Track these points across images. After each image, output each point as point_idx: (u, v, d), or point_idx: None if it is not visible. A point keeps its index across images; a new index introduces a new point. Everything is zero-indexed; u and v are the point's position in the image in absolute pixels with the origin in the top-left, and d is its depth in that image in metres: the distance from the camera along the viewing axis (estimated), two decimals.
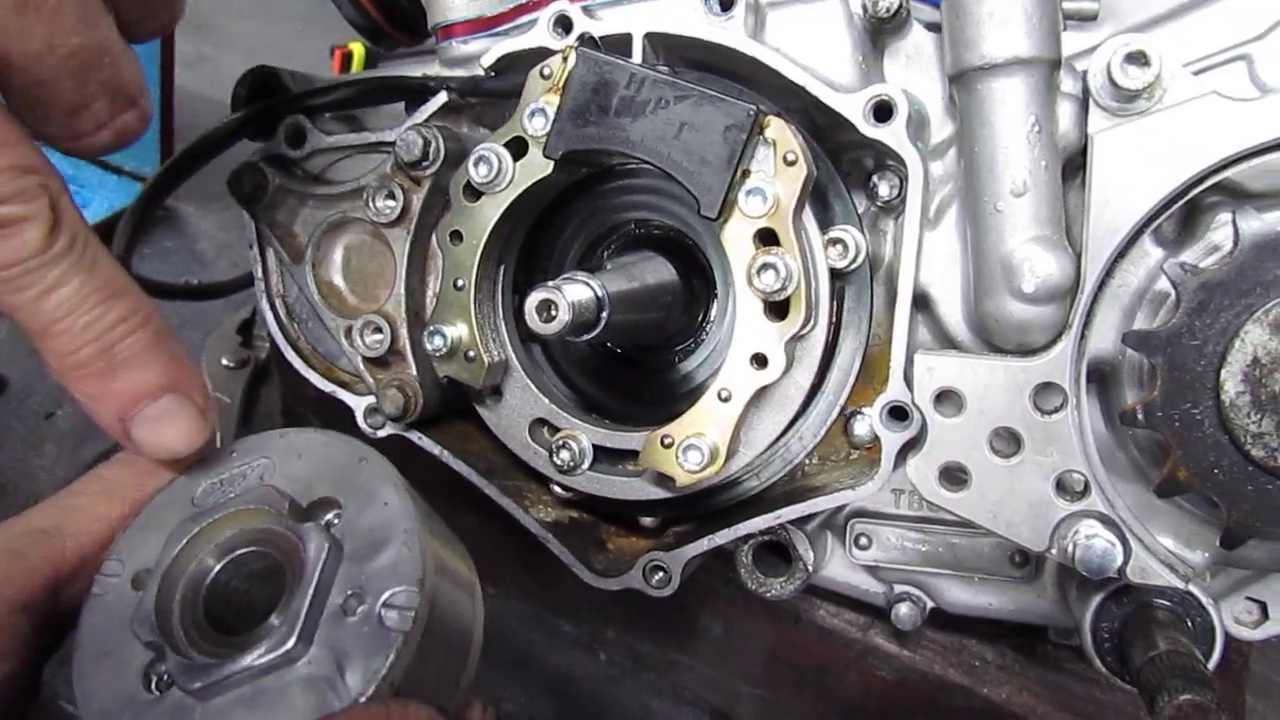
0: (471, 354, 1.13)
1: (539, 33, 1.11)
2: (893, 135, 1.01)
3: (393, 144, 1.17)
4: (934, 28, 1.07)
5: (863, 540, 1.23)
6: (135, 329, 0.81)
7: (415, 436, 1.24)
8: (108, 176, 2.22)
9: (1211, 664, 1.02)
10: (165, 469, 0.84)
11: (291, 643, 0.69)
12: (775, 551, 1.20)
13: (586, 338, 1.01)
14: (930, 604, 1.24)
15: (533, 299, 0.95)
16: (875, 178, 1.11)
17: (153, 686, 0.72)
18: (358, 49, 2.36)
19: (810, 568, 1.18)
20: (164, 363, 0.82)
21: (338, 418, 1.28)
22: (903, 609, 1.23)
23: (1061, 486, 1.00)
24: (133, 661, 0.73)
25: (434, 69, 1.28)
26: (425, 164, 1.14)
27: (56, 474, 1.91)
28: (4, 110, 0.75)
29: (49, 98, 0.77)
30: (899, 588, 1.24)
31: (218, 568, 0.77)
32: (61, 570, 0.78)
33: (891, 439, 1.06)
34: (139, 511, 0.81)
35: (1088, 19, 1.06)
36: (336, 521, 0.76)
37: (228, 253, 2.32)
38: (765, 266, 0.98)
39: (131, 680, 0.72)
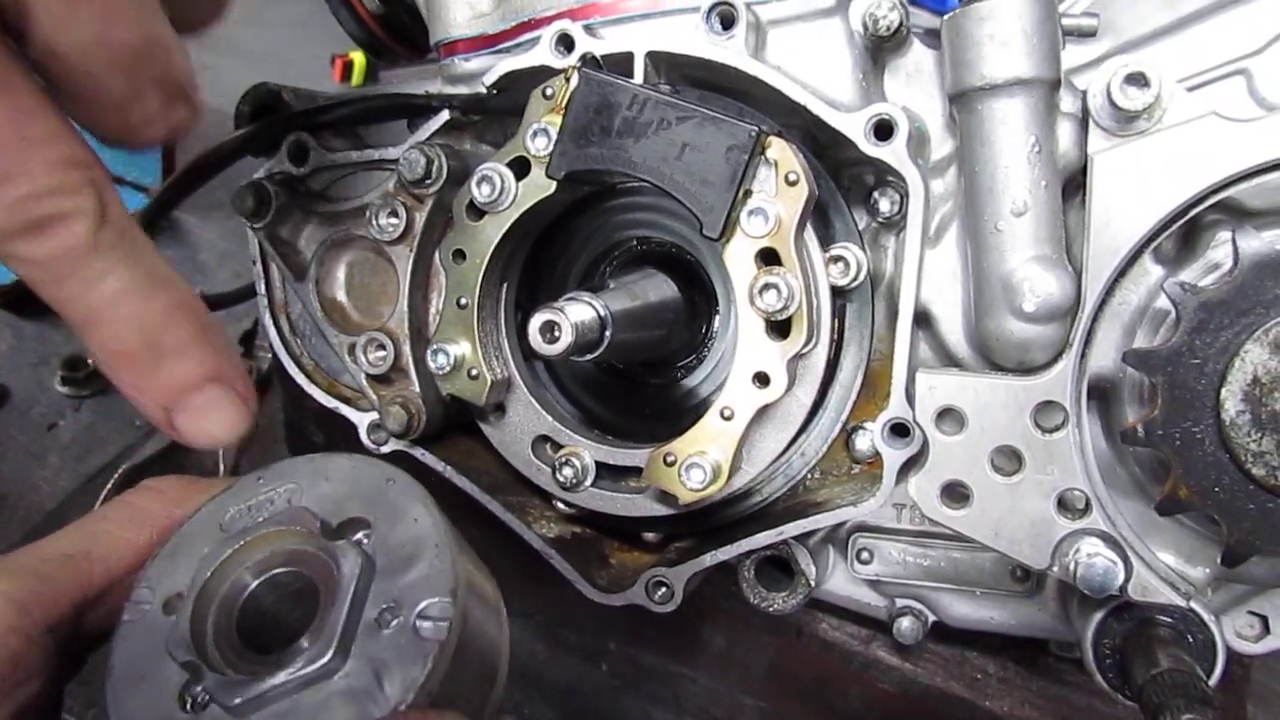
0: (474, 372, 1.14)
1: (541, 51, 1.11)
2: (893, 154, 1.02)
3: (396, 162, 1.17)
4: (933, 35, 1.08)
5: (864, 555, 1.23)
6: (180, 320, 0.81)
7: (419, 453, 1.24)
8: None
9: (1213, 680, 1.02)
10: (193, 496, 0.84)
11: (329, 656, 0.70)
12: (777, 566, 1.21)
13: (590, 357, 1.02)
14: (932, 618, 1.24)
15: (536, 320, 0.96)
16: (876, 194, 1.12)
17: (189, 707, 0.72)
18: (358, 58, 2.37)
19: (812, 582, 1.19)
20: (207, 353, 0.82)
21: (340, 430, 1.29)
22: (904, 623, 1.23)
23: (1063, 504, 1.01)
24: (168, 684, 0.73)
25: (435, 85, 1.29)
26: (428, 182, 1.15)
27: (59, 485, 1.91)
28: (49, 103, 0.74)
29: (98, 91, 0.76)
30: (901, 602, 1.24)
31: (252, 587, 0.78)
32: (88, 594, 0.78)
33: (893, 456, 1.06)
34: (167, 538, 0.82)
35: (1087, 35, 1.06)
36: (367, 540, 0.76)
37: (229, 262, 2.32)
38: (767, 286, 0.98)
39: (167, 703, 0.72)
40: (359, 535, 0.77)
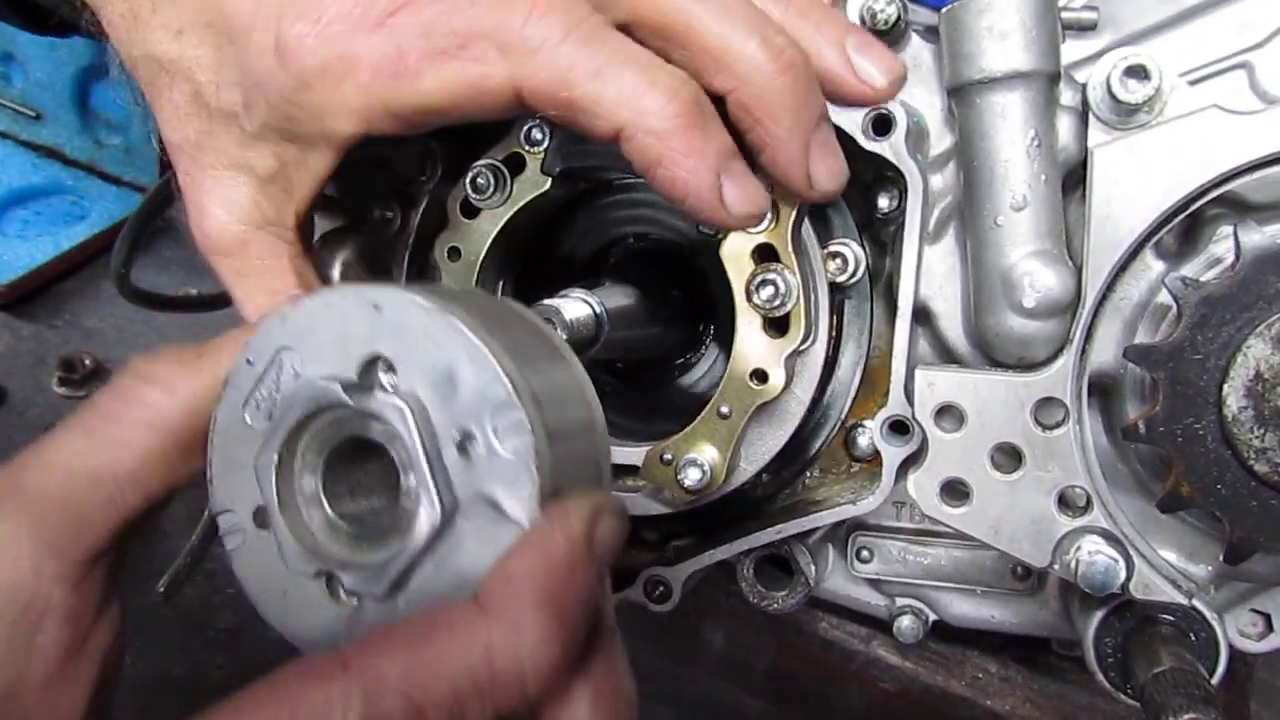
0: None
1: None
2: (891, 149, 1.01)
3: (390, 158, 1.16)
4: (932, 32, 1.07)
5: (864, 553, 1.22)
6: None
7: None
8: (107, 187, 2.21)
9: (1216, 679, 1.01)
10: (188, 381, 0.76)
11: (438, 511, 0.67)
12: (777, 564, 1.20)
13: (586, 355, 1.01)
14: (932, 617, 1.23)
15: None
16: (874, 190, 1.11)
17: (343, 598, 0.70)
18: None
19: (812, 581, 1.18)
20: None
21: None
22: (905, 622, 1.22)
23: (1063, 502, 1.00)
24: (313, 588, 0.71)
25: None
26: (422, 179, 1.14)
27: None
28: None
29: None
30: (901, 600, 1.23)
31: (322, 476, 0.73)
32: (128, 520, 0.71)
33: (892, 453, 1.05)
34: (186, 442, 0.75)
35: (1087, 28, 1.05)
36: (396, 376, 0.70)
37: None
38: (764, 283, 0.98)
39: (324, 604, 0.70)
40: (385, 378, 0.70)
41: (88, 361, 1.93)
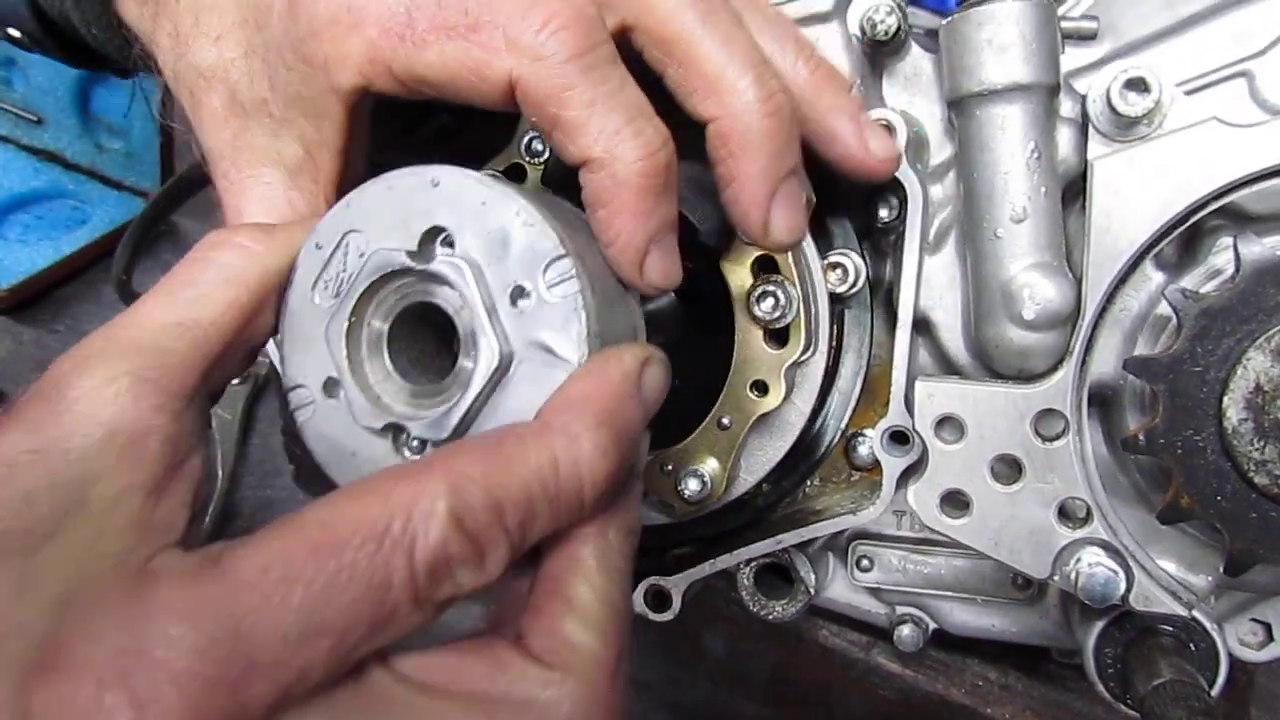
0: None
1: None
2: None
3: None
4: (932, 36, 1.07)
5: (864, 562, 1.22)
6: None
7: None
8: (108, 191, 2.21)
9: (1216, 689, 1.01)
10: (269, 244, 0.80)
11: (496, 354, 0.72)
12: (777, 573, 1.20)
13: None
14: (932, 625, 1.23)
15: None
16: (874, 200, 1.10)
17: (408, 455, 0.75)
18: None
19: (812, 590, 1.18)
20: None
21: None
22: (905, 630, 1.22)
23: (1063, 513, 1.00)
24: (380, 445, 0.76)
25: None
26: None
27: None
28: None
29: None
30: (901, 609, 1.24)
31: (387, 336, 0.79)
32: (210, 362, 0.75)
33: (892, 464, 1.05)
34: (260, 296, 0.78)
35: (1087, 37, 1.05)
36: (454, 245, 0.76)
37: None
38: (764, 294, 0.98)
39: (391, 458, 0.76)
40: (444, 246, 0.76)
41: None
